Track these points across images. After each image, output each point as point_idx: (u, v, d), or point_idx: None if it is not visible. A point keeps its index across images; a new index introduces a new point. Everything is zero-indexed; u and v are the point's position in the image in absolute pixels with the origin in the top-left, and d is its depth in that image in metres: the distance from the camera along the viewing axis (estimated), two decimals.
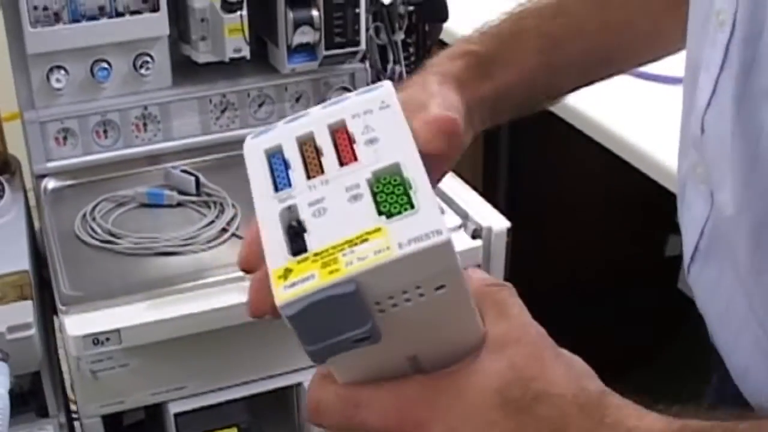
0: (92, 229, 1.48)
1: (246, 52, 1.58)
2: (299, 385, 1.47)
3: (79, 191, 1.59)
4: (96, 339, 1.29)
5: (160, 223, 1.51)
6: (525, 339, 0.56)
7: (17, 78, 1.55)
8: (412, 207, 0.51)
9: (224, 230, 1.48)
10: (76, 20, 1.52)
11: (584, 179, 2.28)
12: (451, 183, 1.51)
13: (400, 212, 0.51)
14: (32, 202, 1.60)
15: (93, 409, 1.38)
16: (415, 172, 0.52)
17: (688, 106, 0.74)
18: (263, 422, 1.50)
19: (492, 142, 2.32)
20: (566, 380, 0.56)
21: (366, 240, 0.50)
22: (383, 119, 0.55)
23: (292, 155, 0.56)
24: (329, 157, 0.55)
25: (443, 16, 1.69)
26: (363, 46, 1.62)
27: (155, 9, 1.55)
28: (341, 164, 0.54)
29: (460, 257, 0.52)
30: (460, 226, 1.45)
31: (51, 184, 1.59)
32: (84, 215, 1.51)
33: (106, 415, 1.40)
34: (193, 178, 1.54)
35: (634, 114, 1.76)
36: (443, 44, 1.48)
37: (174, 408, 1.41)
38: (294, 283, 0.50)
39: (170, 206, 1.54)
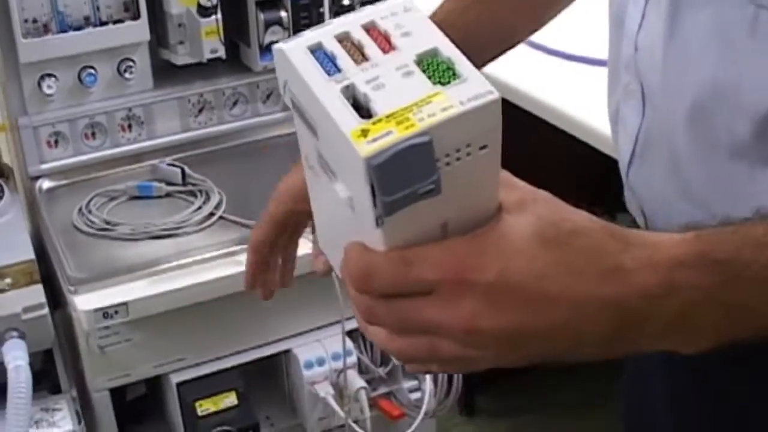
0: (89, 221, 1.60)
1: (222, 53, 1.72)
2: (288, 351, 1.61)
3: (72, 189, 1.71)
4: (105, 312, 1.41)
5: (151, 212, 1.64)
6: (541, 198, 0.64)
7: (10, 87, 1.66)
8: (460, 77, 0.58)
9: (212, 214, 1.61)
10: (63, 30, 1.64)
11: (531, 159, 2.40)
12: None
13: (450, 81, 0.58)
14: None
15: (101, 383, 1.51)
16: (452, 52, 0.59)
17: (618, 39, 0.88)
18: (256, 389, 1.63)
19: None
20: (590, 219, 0.64)
21: (430, 102, 0.57)
22: (410, 18, 0.61)
23: (335, 48, 0.60)
24: (371, 48, 0.60)
25: None
26: None
27: (136, 17, 1.68)
28: (384, 52, 0.59)
29: None
30: None
31: (46, 184, 1.71)
32: (80, 209, 1.63)
33: (113, 389, 1.53)
34: (179, 170, 1.67)
35: (574, 94, 1.89)
36: None
37: (176, 378, 1.55)
38: (375, 139, 0.56)
39: (159, 197, 1.67)
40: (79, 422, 1.48)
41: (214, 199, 1.63)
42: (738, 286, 0.63)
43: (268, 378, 1.67)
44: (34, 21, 1.63)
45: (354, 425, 1.58)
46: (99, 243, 1.57)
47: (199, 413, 1.53)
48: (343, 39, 0.60)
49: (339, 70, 0.59)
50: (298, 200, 0.94)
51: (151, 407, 1.67)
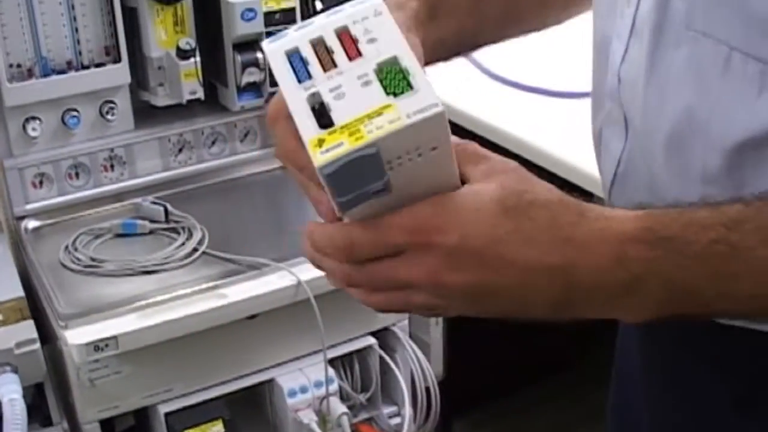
0: (76, 258, 1.65)
1: (201, 94, 1.78)
2: (271, 380, 1.66)
3: (57, 229, 1.76)
4: (96, 346, 1.46)
5: (136, 249, 1.69)
6: (508, 168, 0.71)
7: None
8: (412, 88, 0.65)
9: (195, 250, 1.66)
10: (47, 74, 1.70)
11: None
12: None
13: (403, 92, 0.65)
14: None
15: (91, 415, 1.55)
16: (410, 62, 0.66)
17: (602, 69, 0.93)
18: (242, 417, 1.68)
19: None
20: (550, 191, 0.70)
21: (380, 114, 0.64)
22: (378, 23, 0.67)
23: (309, 54, 0.67)
24: (339, 55, 0.67)
25: None
26: None
27: (117, 60, 1.74)
28: (350, 59, 0.66)
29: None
30: None
31: (31, 224, 1.76)
32: (66, 247, 1.68)
33: (102, 421, 1.57)
34: (161, 208, 1.73)
35: (545, 126, 1.95)
36: None
37: (163, 408, 1.59)
38: (328, 149, 0.64)
39: (143, 234, 1.72)
40: None
41: (197, 236, 1.69)
42: (681, 262, 0.69)
43: (253, 406, 1.72)
44: (18, 66, 1.68)
45: None
46: (86, 280, 1.61)
47: None
48: (317, 43, 0.67)
49: (309, 77, 0.66)
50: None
51: None
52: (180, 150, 1.86)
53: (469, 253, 0.68)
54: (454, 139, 0.70)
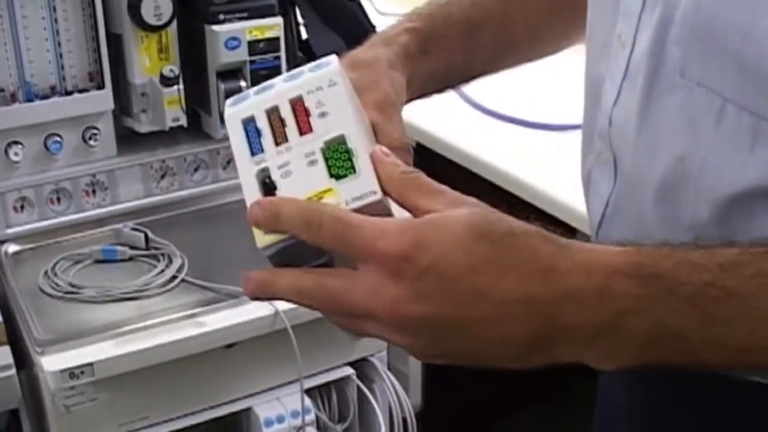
0: (55, 284, 1.65)
1: (183, 121, 1.78)
2: (248, 409, 1.66)
3: (38, 253, 1.75)
4: (72, 373, 1.46)
5: (115, 275, 1.68)
6: (470, 201, 0.68)
7: None
8: (355, 171, 0.69)
9: (174, 277, 1.66)
10: (30, 99, 1.70)
11: None
12: None
13: (345, 175, 0.68)
14: None
15: None
16: (356, 142, 0.69)
17: (593, 108, 0.92)
18: None
19: None
20: (525, 224, 0.66)
21: (321, 198, 0.69)
22: (331, 96, 0.71)
23: (263, 125, 0.71)
24: (291, 128, 0.70)
25: None
26: None
27: (101, 87, 1.74)
28: (300, 134, 0.70)
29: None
30: None
31: (12, 248, 1.75)
32: (46, 272, 1.67)
33: None
34: (142, 234, 1.73)
35: (528, 158, 1.96)
36: None
37: None
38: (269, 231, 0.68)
39: (123, 260, 1.72)
40: None
41: (177, 263, 1.69)
42: (669, 302, 0.64)
43: None
44: (2, 90, 1.68)
45: None
46: (65, 306, 1.61)
47: None
48: (272, 113, 0.71)
49: (262, 150, 0.71)
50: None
51: None
52: (162, 176, 1.86)
53: (437, 281, 0.63)
54: (399, 164, 0.70)
